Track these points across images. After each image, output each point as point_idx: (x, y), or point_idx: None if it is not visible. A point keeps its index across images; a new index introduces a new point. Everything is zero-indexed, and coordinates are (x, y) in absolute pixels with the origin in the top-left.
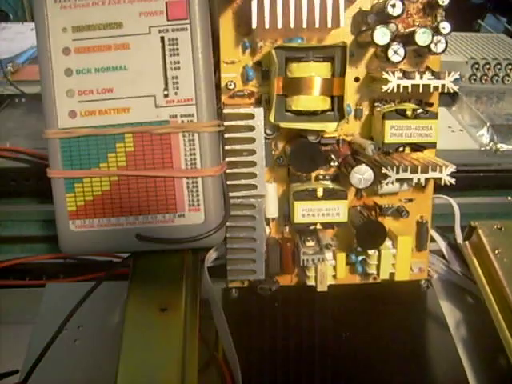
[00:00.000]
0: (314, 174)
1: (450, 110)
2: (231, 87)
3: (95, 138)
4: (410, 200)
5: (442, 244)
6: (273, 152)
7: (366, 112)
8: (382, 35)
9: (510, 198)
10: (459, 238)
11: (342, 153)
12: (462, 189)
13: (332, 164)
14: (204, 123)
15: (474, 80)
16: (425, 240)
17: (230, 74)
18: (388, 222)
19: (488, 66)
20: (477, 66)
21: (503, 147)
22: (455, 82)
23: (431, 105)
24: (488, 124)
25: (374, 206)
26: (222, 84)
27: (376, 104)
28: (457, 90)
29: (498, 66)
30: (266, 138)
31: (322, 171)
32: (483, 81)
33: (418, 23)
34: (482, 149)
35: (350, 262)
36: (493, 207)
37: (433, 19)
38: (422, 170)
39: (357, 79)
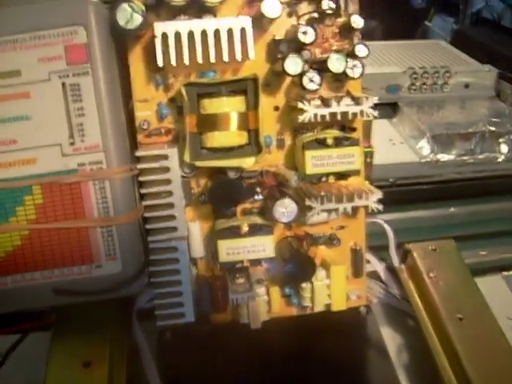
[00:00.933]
0: (240, 208)
1: (391, 121)
2: (145, 127)
3: (1, 192)
4: (342, 227)
5: (379, 267)
6: (193, 191)
7: (288, 141)
8: (293, 65)
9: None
10: (395, 262)
11: (267, 184)
12: (403, 203)
13: (257, 197)
14: (114, 170)
15: (414, 90)
16: (360, 266)
17: (144, 112)
18: (321, 251)
19: (426, 75)
20: (415, 75)
21: (444, 157)
22: (394, 92)
23: (354, 129)
24: (428, 134)
25: (305, 235)
26: (136, 123)
27: (298, 133)
28: (375, 115)
29: (436, 74)
30: (184, 177)
31: (248, 205)
32: (423, 90)
33: (335, 47)
34: (423, 160)
35: (285, 295)
36: (435, 220)
37: (350, 42)
38: (348, 198)
39: (276, 108)
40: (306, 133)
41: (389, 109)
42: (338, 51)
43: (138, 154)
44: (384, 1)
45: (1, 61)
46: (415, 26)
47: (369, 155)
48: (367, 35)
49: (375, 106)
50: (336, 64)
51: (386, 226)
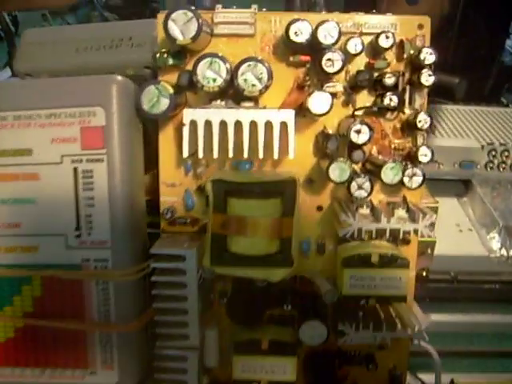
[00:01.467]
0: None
1: (461, 200)
2: (168, 216)
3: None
4: (382, 347)
5: None
6: (212, 293)
7: (330, 246)
8: (339, 172)
9: None
10: None
11: (300, 292)
12: (462, 301)
13: (285, 308)
14: (120, 271)
15: (491, 168)
16: None
17: (169, 197)
18: (354, 371)
19: (507, 153)
20: (494, 152)
21: None
22: (468, 168)
23: (408, 242)
24: (501, 224)
25: (338, 352)
26: (160, 209)
27: (341, 238)
28: (434, 239)
29: None
30: (203, 279)
31: (275, 311)
32: (501, 169)
33: (395, 145)
34: (492, 255)
35: None
36: (498, 327)
37: (413, 140)
38: (389, 327)
39: (319, 208)
40: (351, 240)
41: (460, 185)
42: (398, 150)
43: (153, 251)
44: (470, 55)
45: (13, 137)
46: (503, 85)
47: (430, 246)
48: (448, 93)
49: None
50: (390, 175)
51: (433, 352)
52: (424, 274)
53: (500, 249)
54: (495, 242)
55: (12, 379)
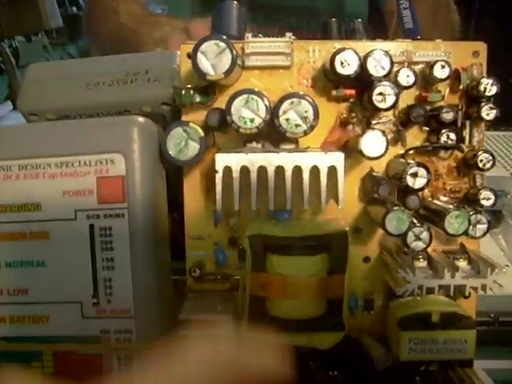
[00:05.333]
0: None
1: (493, 232)
2: (196, 274)
3: (5, 354)
4: None
5: None
6: None
7: (378, 302)
8: (397, 222)
9: None
10: None
11: (346, 355)
12: (507, 345)
13: (331, 373)
14: (146, 344)
15: None
16: None
17: (197, 252)
18: None
19: None
20: None
21: None
22: (498, 198)
23: (468, 296)
24: None
25: None
26: (187, 266)
27: (392, 293)
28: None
29: None
30: None
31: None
32: None
33: (450, 187)
34: None
35: None
36: None
37: (470, 181)
38: None
39: (367, 259)
40: (404, 296)
41: (491, 217)
42: (453, 193)
43: (182, 317)
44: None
45: (19, 190)
46: None
47: None
48: None
49: None
50: (455, 224)
51: None
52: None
53: None
54: None
55: None
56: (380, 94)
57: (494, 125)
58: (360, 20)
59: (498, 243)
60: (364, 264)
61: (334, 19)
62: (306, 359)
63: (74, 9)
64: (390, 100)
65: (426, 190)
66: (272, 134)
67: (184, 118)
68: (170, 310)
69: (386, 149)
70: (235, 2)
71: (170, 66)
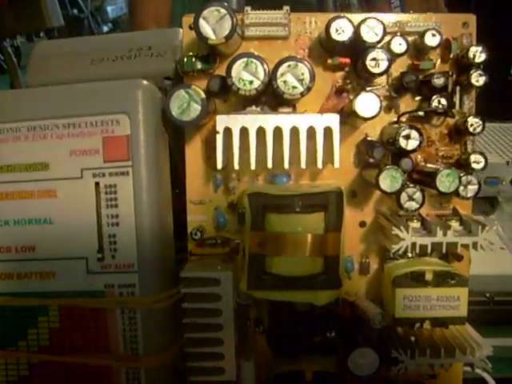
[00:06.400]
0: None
1: (488, 218)
2: (197, 237)
3: (12, 309)
4: (434, 376)
5: None
6: (249, 320)
7: (374, 266)
8: (391, 180)
9: None
10: None
11: (343, 318)
12: (502, 324)
13: (329, 335)
14: (149, 297)
15: None
16: None
17: (198, 216)
18: None
19: None
20: None
21: None
22: (493, 185)
23: (460, 258)
24: None
25: (385, 381)
26: (188, 230)
27: (387, 257)
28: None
29: None
30: (239, 305)
31: (317, 339)
32: None
33: (442, 153)
34: None
35: None
36: None
37: (461, 147)
38: (447, 353)
39: (362, 224)
40: (398, 258)
41: (486, 204)
42: (446, 158)
43: (183, 274)
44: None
45: (27, 150)
46: None
47: None
48: None
49: None
50: (446, 182)
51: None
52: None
53: None
54: None
55: None
56: (373, 59)
57: (491, 117)
58: None
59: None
60: (360, 228)
61: None
62: (302, 321)
63: (75, 11)
64: (383, 65)
65: (419, 156)
66: (271, 100)
67: None
68: (172, 270)
69: (380, 109)
70: None
71: (173, 43)
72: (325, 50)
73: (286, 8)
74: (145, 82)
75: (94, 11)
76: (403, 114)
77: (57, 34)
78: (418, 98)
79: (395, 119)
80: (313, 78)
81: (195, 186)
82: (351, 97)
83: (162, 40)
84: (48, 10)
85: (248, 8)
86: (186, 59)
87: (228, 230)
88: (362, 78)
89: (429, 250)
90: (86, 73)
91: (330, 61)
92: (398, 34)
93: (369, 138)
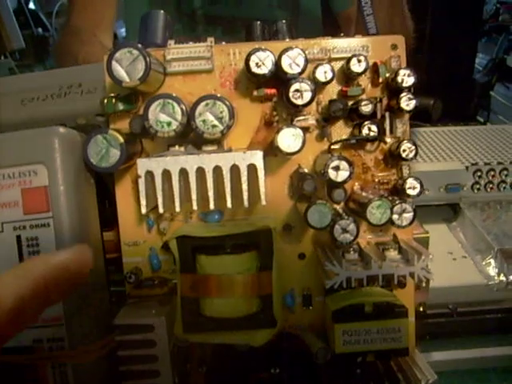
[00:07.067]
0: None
1: (451, 225)
2: (132, 280)
3: None
4: None
5: None
6: (188, 364)
7: (316, 297)
8: (319, 215)
9: None
10: None
11: (288, 352)
12: (465, 335)
13: (273, 371)
14: (79, 350)
15: (478, 189)
16: None
17: (133, 258)
18: None
19: (492, 173)
20: (479, 173)
21: None
22: (454, 191)
23: (403, 285)
24: (495, 248)
25: None
26: (124, 272)
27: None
28: (428, 278)
29: (505, 172)
30: (178, 348)
31: (263, 375)
32: (488, 189)
33: (378, 179)
34: (490, 283)
35: None
36: (508, 360)
37: (398, 172)
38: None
39: (302, 256)
40: (339, 289)
41: (448, 210)
42: (382, 184)
43: (117, 322)
44: (442, 75)
45: None
46: (478, 102)
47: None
48: (424, 114)
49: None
50: (377, 214)
51: None
52: (421, 309)
53: (498, 275)
54: (492, 267)
55: None
56: (296, 90)
57: (454, 120)
58: (284, 21)
59: (456, 236)
60: (299, 261)
61: (258, 22)
62: (247, 359)
63: (40, 30)
64: (307, 96)
65: (357, 184)
66: (196, 137)
67: (112, 126)
68: (106, 316)
69: (303, 144)
70: (161, 12)
71: (103, 78)
72: (251, 81)
73: (210, 39)
74: (61, 129)
75: (59, 29)
76: (334, 142)
77: (18, 56)
78: (351, 124)
79: (327, 148)
80: (232, 115)
81: (129, 228)
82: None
83: (91, 76)
84: (7, 34)
85: (171, 42)
86: (106, 100)
87: (164, 270)
88: (290, 109)
89: (365, 283)
90: (17, 114)
91: (255, 93)
92: (325, 61)
93: (300, 170)
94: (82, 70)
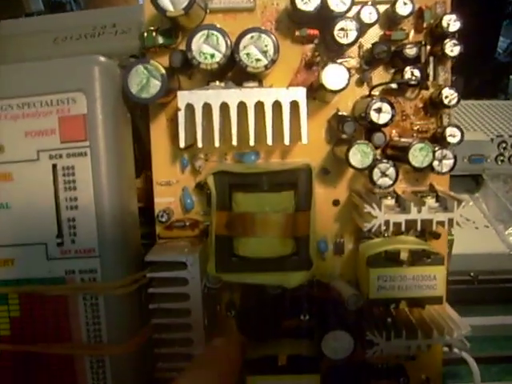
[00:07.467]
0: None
1: (473, 196)
2: (163, 219)
3: None
4: (413, 357)
5: None
6: (218, 306)
7: (349, 245)
8: (361, 156)
9: None
10: None
11: (318, 300)
12: (486, 303)
13: (302, 318)
14: (111, 283)
15: (502, 161)
16: None
17: (165, 198)
18: None
19: None
20: (504, 144)
21: None
22: (478, 163)
23: (438, 236)
24: None
25: (362, 365)
26: (155, 212)
27: (362, 235)
28: (452, 237)
29: None
30: (209, 289)
31: (291, 322)
32: None
33: (417, 127)
34: None
35: None
36: None
37: (437, 121)
38: (424, 334)
39: (336, 202)
40: (373, 237)
41: (471, 181)
42: (421, 133)
43: (149, 258)
44: (465, 55)
45: None
46: (500, 82)
47: (448, 244)
48: None
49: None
50: (419, 156)
51: (472, 364)
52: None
53: None
54: None
55: None
56: (341, 29)
57: (479, 95)
58: None
59: (478, 207)
60: (333, 207)
61: None
62: (276, 305)
63: None
64: (352, 35)
65: (394, 131)
66: (236, 75)
67: None
68: (137, 255)
69: (348, 81)
70: None
71: (138, 19)
72: (293, 21)
73: None
74: (102, 58)
75: None
76: (375, 86)
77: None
78: (392, 71)
79: (367, 93)
80: (277, 49)
81: (162, 167)
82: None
83: (126, 17)
84: None
85: None
86: (146, 34)
87: (197, 211)
88: (331, 51)
89: (403, 228)
90: (49, 53)
91: (297, 33)
92: (369, 3)
93: (340, 113)
94: (116, 10)
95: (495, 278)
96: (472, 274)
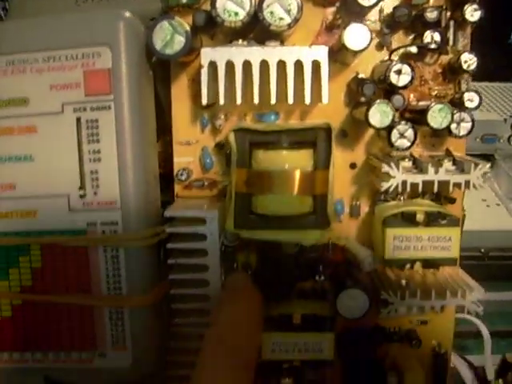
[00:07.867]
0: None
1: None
2: (183, 178)
3: None
4: (425, 322)
5: (466, 376)
6: (236, 263)
7: (365, 208)
8: (381, 115)
9: None
10: (490, 375)
11: (333, 262)
12: (496, 279)
13: (317, 279)
14: (132, 235)
15: None
16: (444, 375)
17: (184, 158)
18: (394, 349)
19: None
20: None
21: None
22: (490, 143)
23: (453, 201)
24: None
25: (375, 327)
26: (174, 171)
27: (378, 199)
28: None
29: None
30: (226, 247)
31: (306, 284)
32: None
33: (435, 92)
34: None
35: None
36: None
37: (455, 87)
38: (438, 295)
39: (353, 165)
40: (389, 200)
41: (483, 161)
42: (439, 98)
43: (168, 214)
44: (478, 37)
45: (6, 85)
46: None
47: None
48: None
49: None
50: (438, 117)
51: (483, 328)
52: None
53: None
54: None
55: (10, 365)
56: None
57: (492, 78)
58: None
59: (490, 186)
60: (350, 170)
61: None
62: (291, 266)
63: None
64: None
65: (412, 95)
66: (258, 34)
67: None
68: (157, 212)
69: (370, 41)
70: None
71: None
72: None
73: None
74: (127, 14)
75: None
76: (395, 49)
77: None
78: (411, 37)
79: (387, 57)
80: (300, 8)
81: (182, 127)
82: None
83: None
84: None
85: None
86: None
87: (215, 171)
88: (352, 13)
89: (420, 189)
90: (70, 13)
91: None
92: None
93: (360, 76)
94: None
95: (505, 255)
96: (482, 250)
